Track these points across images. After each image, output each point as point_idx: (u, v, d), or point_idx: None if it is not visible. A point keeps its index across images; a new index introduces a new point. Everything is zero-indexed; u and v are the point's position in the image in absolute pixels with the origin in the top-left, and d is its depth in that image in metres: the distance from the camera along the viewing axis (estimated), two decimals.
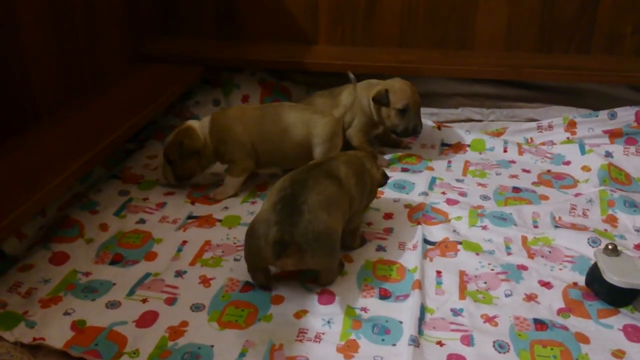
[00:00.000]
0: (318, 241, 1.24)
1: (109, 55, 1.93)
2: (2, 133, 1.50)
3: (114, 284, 1.34)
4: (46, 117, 1.64)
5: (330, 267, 1.32)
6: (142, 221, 1.59)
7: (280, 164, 1.77)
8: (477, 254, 1.43)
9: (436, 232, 1.52)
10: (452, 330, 1.21)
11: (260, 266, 1.31)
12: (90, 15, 1.80)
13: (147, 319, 1.23)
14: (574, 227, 1.54)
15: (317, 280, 1.33)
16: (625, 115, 1.97)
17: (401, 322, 1.22)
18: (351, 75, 1.71)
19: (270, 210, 1.26)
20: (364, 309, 1.27)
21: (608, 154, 1.90)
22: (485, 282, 1.34)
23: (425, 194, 1.71)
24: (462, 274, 1.37)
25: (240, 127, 1.69)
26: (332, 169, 1.39)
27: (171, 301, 1.29)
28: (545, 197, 1.70)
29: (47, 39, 1.62)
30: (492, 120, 2.15)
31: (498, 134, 2.08)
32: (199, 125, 1.69)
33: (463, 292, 1.31)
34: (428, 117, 2.14)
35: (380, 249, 1.48)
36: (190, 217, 1.61)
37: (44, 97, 1.63)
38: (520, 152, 1.96)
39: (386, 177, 1.54)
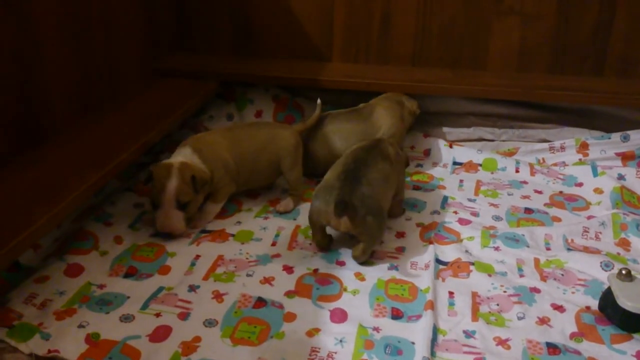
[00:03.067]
0: (371, 210, 1.43)
1: (126, 70, 1.95)
2: (19, 146, 1.52)
3: (128, 297, 1.35)
4: (64, 131, 1.65)
5: (372, 240, 1.47)
6: (156, 234, 1.60)
7: (255, 183, 1.77)
8: (490, 275, 1.43)
9: (448, 252, 1.52)
10: (465, 352, 1.21)
11: (320, 225, 1.50)
12: (109, 31, 1.82)
13: (160, 334, 1.24)
14: (586, 250, 1.54)
15: (353, 253, 1.48)
16: (637, 138, 1.97)
17: (413, 343, 1.23)
18: (319, 101, 1.89)
19: (335, 179, 1.47)
20: (376, 329, 1.27)
21: (620, 177, 1.90)
22: (497, 304, 1.34)
23: (437, 212, 1.72)
24: (474, 295, 1.37)
25: (227, 152, 1.67)
26: (384, 150, 1.58)
27: (184, 316, 1.30)
28: (558, 219, 1.70)
29: (66, 54, 1.65)
30: (504, 140, 2.15)
31: (510, 153, 2.09)
32: (186, 159, 1.59)
33: (475, 314, 1.31)
34: (440, 136, 2.15)
35: (392, 267, 1.48)
36: (203, 231, 1.62)
37: (62, 111, 1.65)
38: (532, 173, 1.96)
39: (408, 160, 1.73)
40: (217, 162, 1.63)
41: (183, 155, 1.61)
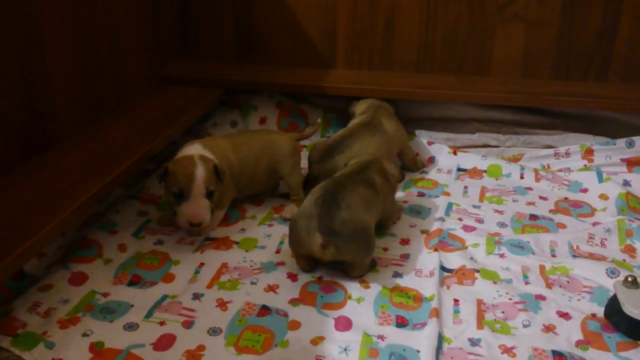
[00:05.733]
0: (354, 234, 1.37)
1: (131, 77, 1.96)
2: (25, 153, 1.53)
3: (132, 306, 1.35)
4: (69, 138, 1.66)
5: (363, 261, 1.43)
6: (160, 242, 1.60)
7: (252, 189, 1.77)
8: (495, 283, 1.43)
9: (453, 260, 1.51)
10: None
11: (303, 254, 1.44)
12: (114, 38, 1.83)
13: (164, 342, 1.24)
14: (592, 256, 1.53)
15: (348, 273, 1.44)
16: None
17: (418, 352, 1.22)
18: (319, 120, 1.97)
19: (312, 205, 1.40)
20: (381, 337, 1.26)
21: (626, 183, 1.89)
22: (503, 312, 1.34)
23: (442, 219, 1.71)
24: (479, 302, 1.36)
25: (232, 156, 1.67)
26: (369, 178, 1.52)
27: (188, 324, 1.30)
28: (563, 226, 1.70)
29: (71, 62, 1.66)
30: (508, 146, 2.15)
31: (515, 160, 2.08)
32: (199, 153, 1.58)
33: (481, 322, 1.31)
34: (444, 142, 2.15)
35: (396, 275, 1.47)
36: (207, 238, 1.62)
37: (67, 118, 1.66)
38: (537, 179, 1.95)
39: (403, 175, 1.70)
40: (224, 163, 1.63)
41: (195, 150, 1.59)
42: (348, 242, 1.37)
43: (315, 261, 1.47)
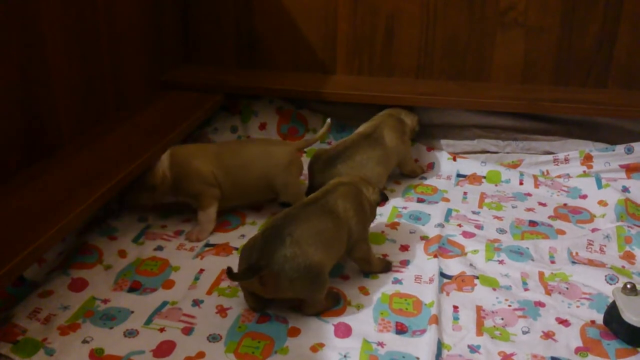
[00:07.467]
0: (297, 272, 1.26)
1: (132, 83, 1.96)
2: (26, 159, 1.53)
3: (132, 312, 1.35)
4: (70, 144, 1.67)
5: (313, 299, 1.33)
6: (160, 248, 1.60)
7: (244, 198, 1.77)
8: (494, 289, 1.43)
9: (453, 266, 1.52)
10: None
11: (247, 289, 1.34)
12: (115, 44, 1.84)
13: (164, 349, 1.24)
14: (591, 263, 1.54)
15: (301, 309, 1.35)
16: None
17: (418, 358, 1.22)
18: (329, 120, 1.85)
19: (259, 237, 1.32)
20: (381, 344, 1.26)
21: (625, 189, 1.89)
22: (502, 319, 1.34)
23: (441, 225, 1.71)
24: (479, 309, 1.37)
25: (199, 160, 1.69)
26: (330, 204, 1.40)
27: (188, 331, 1.30)
28: (562, 232, 1.70)
29: (72, 68, 1.66)
30: (507, 152, 2.15)
31: (514, 166, 2.09)
32: (161, 159, 1.67)
33: (480, 328, 1.31)
34: (444, 148, 2.16)
35: (396, 281, 1.48)
36: (207, 245, 1.63)
37: (68, 124, 1.67)
38: (536, 185, 1.96)
39: (384, 196, 1.54)
40: (186, 170, 1.67)
41: (163, 156, 1.69)
42: (286, 278, 1.25)
43: (266, 299, 1.35)
